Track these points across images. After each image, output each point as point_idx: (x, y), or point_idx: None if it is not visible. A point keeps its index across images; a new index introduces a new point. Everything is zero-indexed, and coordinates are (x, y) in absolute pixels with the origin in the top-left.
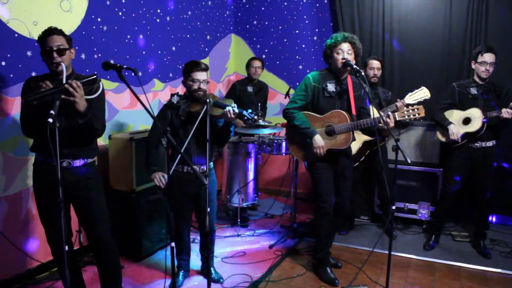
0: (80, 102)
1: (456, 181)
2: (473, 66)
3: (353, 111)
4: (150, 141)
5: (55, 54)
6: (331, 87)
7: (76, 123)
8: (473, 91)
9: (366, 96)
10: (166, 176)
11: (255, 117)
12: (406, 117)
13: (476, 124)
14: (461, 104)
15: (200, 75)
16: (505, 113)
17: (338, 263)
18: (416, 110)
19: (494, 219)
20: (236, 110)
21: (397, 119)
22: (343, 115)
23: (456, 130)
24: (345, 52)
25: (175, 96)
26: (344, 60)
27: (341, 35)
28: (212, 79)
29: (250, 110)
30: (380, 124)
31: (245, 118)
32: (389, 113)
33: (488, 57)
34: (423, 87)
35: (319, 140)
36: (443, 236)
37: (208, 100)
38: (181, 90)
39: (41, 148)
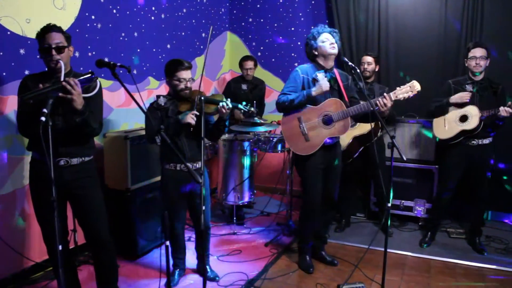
0: (78, 100)
1: (451, 178)
2: (466, 64)
3: (346, 98)
4: (151, 135)
5: (53, 52)
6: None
7: (73, 122)
8: (469, 88)
9: (354, 87)
10: (195, 111)
11: (252, 108)
12: (401, 95)
13: (473, 122)
14: None
15: (186, 74)
16: (503, 111)
17: (334, 261)
18: (409, 88)
19: (489, 216)
20: (230, 105)
21: (393, 98)
22: (338, 102)
23: (459, 93)
24: (329, 39)
25: (161, 97)
26: (333, 45)
27: (321, 27)
28: (207, 77)
29: (244, 103)
30: (381, 101)
31: (242, 111)
32: (385, 94)
33: (477, 51)
34: (414, 81)
35: (315, 87)
36: (439, 233)
37: (202, 98)
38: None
39: (37, 146)
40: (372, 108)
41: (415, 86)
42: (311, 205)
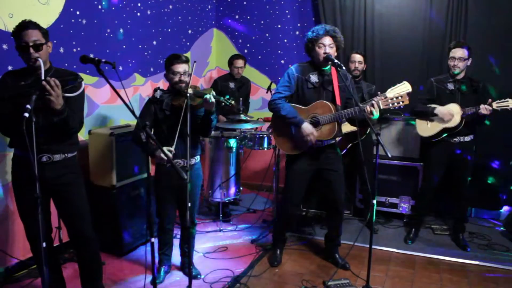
0: (56, 100)
1: (435, 175)
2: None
3: (338, 102)
4: (138, 134)
5: (31, 50)
6: (314, 78)
7: (52, 121)
8: (450, 86)
9: (353, 87)
10: (171, 148)
11: (233, 102)
12: (391, 105)
13: (455, 120)
14: (439, 99)
15: (180, 67)
16: (483, 109)
17: (346, 264)
18: (400, 98)
19: (472, 213)
20: (213, 99)
21: (381, 107)
22: (327, 106)
23: (446, 109)
24: (326, 46)
25: (158, 90)
26: (325, 55)
27: (323, 28)
28: (194, 74)
29: (227, 96)
30: (368, 108)
31: (223, 104)
32: (374, 101)
33: (456, 52)
34: (405, 81)
35: (307, 127)
36: (423, 230)
37: (188, 94)
38: (163, 84)
39: (19, 143)
40: (358, 114)
41: (405, 97)
42: (289, 203)
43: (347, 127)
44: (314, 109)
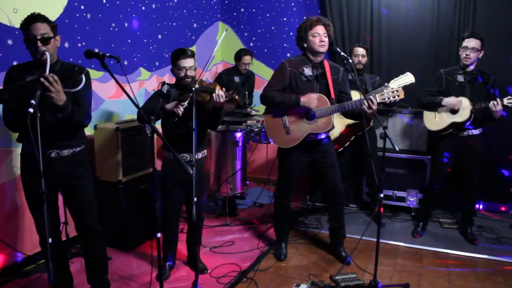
0: (57, 96)
1: (443, 168)
2: (459, 53)
3: (332, 95)
4: (141, 115)
5: (39, 43)
6: (307, 71)
7: (57, 116)
8: (460, 78)
9: (345, 80)
10: (183, 103)
11: (236, 96)
12: (386, 98)
13: (464, 114)
14: (448, 91)
15: (186, 62)
16: (494, 105)
17: (348, 257)
18: (396, 92)
19: (481, 206)
20: (224, 96)
21: (378, 100)
22: (323, 99)
23: (453, 99)
24: (321, 35)
25: (166, 85)
26: (323, 44)
27: (315, 17)
28: (200, 68)
29: (231, 92)
30: (365, 105)
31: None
32: (371, 96)
33: (469, 42)
34: (408, 73)
35: (305, 99)
36: (431, 223)
37: (194, 88)
38: (168, 79)
39: (28, 139)
40: (355, 107)
41: (401, 91)
42: (283, 198)
43: (349, 120)
44: None
